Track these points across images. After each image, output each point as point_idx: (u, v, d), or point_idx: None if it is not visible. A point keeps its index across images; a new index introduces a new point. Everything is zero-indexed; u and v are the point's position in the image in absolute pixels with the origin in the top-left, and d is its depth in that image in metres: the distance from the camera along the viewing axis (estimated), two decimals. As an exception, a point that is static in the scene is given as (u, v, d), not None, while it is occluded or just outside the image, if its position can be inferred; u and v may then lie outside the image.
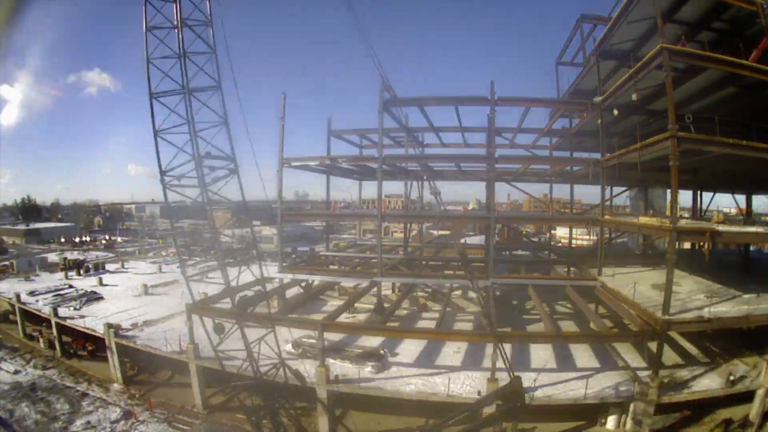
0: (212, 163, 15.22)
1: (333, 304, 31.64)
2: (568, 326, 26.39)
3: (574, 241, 44.37)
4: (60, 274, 42.23)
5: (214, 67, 14.71)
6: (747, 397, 18.15)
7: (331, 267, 32.59)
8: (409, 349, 22.37)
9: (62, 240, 78.42)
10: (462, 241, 58.08)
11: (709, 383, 18.38)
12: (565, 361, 21.05)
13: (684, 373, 19.29)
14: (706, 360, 21.00)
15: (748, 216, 31.25)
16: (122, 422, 20.13)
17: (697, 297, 20.66)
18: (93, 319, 27.45)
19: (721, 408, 18.52)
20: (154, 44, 14.02)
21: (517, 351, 21.46)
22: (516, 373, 15.04)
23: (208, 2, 14.71)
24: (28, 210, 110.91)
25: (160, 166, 14.79)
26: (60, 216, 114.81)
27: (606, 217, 26.16)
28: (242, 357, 16.96)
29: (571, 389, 17.96)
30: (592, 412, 18.32)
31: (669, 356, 20.75)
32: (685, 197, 31.74)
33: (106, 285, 37.59)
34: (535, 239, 56.81)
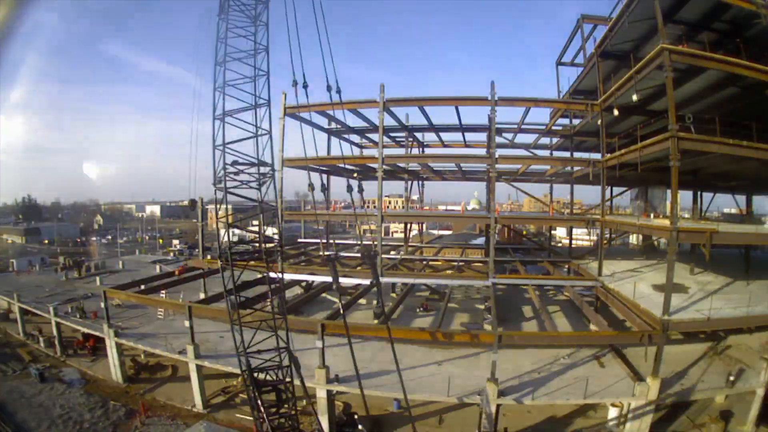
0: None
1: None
2: (568, 327, 26.36)
3: (575, 241, 44.41)
4: (60, 275, 42.13)
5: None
6: (746, 396, 18.16)
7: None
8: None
9: (62, 239, 78.43)
10: (463, 242, 58.16)
11: (709, 382, 18.39)
12: (565, 361, 21.04)
13: (684, 372, 19.29)
14: (706, 359, 20.99)
15: (749, 216, 31.22)
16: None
17: (697, 296, 20.66)
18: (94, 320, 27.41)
19: (721, 407, 18.54)
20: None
21: (519, 351, 21.47)
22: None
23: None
24: (28, 209, 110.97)
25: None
26: (60, 216, 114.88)
27: (606, 217, 26.14)
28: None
29: (572, 389, 17.97)
30: (592, 412, 18.33)
31: (668, 355, 20.74)
32: (685, 197, 31.83)
33: (106, 285, 37.45)
34: (536, 239, 56.74)
